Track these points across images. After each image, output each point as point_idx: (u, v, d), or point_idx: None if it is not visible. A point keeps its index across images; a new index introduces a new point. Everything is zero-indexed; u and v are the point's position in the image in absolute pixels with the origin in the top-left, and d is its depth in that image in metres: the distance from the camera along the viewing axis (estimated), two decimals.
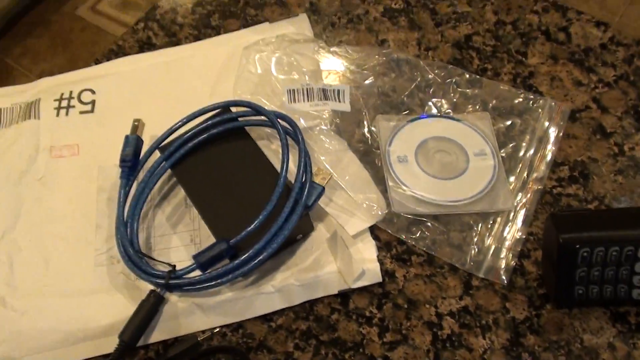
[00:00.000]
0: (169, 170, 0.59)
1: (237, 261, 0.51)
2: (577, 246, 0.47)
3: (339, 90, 0.63)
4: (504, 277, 0.52)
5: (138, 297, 0.53)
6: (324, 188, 0.54)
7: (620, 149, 0.59)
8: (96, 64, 0.70)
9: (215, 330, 0.52)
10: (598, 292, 0.48)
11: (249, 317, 0.53)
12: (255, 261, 0.51)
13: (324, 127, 0.60)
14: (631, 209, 0.54)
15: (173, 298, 0.54)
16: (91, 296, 0.54)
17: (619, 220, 0.49)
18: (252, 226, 0.50)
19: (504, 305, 0.52)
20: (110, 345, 0.51)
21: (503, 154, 0.59)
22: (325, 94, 0.62)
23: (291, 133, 0.57)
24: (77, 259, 0.57)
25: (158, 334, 0.52)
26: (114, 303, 0.54)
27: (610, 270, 0.48)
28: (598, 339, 0.49)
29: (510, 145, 0.59)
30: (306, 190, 0.53)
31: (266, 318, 0.53)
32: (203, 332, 0.52)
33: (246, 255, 0.50)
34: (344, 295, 0.53)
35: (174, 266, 0.53)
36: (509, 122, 0.61)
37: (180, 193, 0.59)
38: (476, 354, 0.49)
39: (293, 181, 0.53)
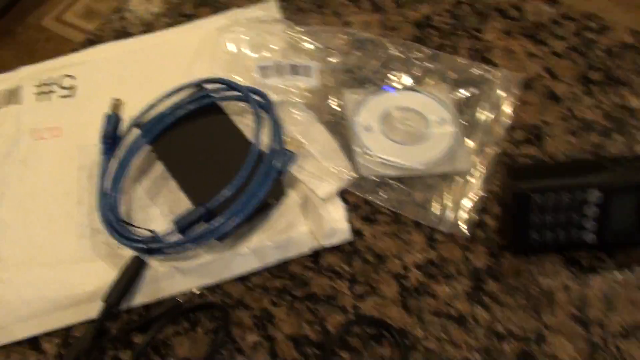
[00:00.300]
0: (148, 147, 0.61)
1: (215, 223, 0.54)
2: (531, 193, 0.51)
3: (307, 67, 0.66)
4: (465, 231, 0.56)
5: (120, 264, 0.55)
6: (295, 154, 0.57)
7: (572, 113, 0.63)
8: (74, 52, 0.73)
9: (194, 292, 0.55)
10: (553, 237, 0.52)
11: (226, 278, 0.55)
12: (232, 223, 0.54)
13: (294, 100, 0.64)
14: (580, 159, 0.58)
15: (154, 263, 0.56)
16: (75, 265, 0.57)
17: (569, 169, 0.53)
18: (227, 189, 0.53)
19: (465, 256, 0.55)
20: (95, 310, 0.53)
21: (462, 121, 0.62)
22: (294, 70, 0.66)
23: (264, 105, 0.60)
24: (61, 232, 0.59)
25: (140, 297, 0.55)
26: (98, 270, 0.56)
27: (562, 215, 0.51)
28: (554, 282, 0.53)
29: (469, 112, 0.63)
30: (279, 156, 0.56)
31: (243, 279, 0.55)
32: (184, 294, 0.54)
33: (223, 217, 0.53)
34: (316, 254, 0.56)
35: (154, 231, 0.55)
36: (467, 92, 0.64)
37: (158, 168, 0.62)
38: (440, 301, 0.53)
39: (266, 151, 0.56)
